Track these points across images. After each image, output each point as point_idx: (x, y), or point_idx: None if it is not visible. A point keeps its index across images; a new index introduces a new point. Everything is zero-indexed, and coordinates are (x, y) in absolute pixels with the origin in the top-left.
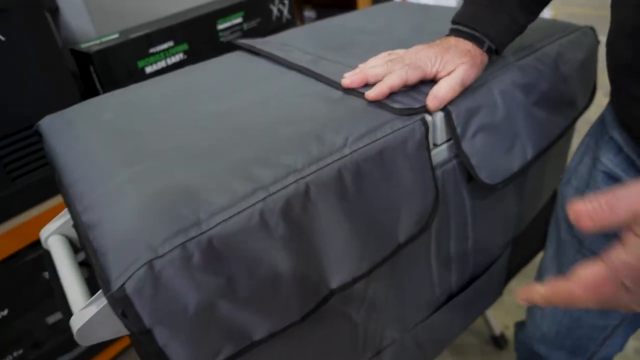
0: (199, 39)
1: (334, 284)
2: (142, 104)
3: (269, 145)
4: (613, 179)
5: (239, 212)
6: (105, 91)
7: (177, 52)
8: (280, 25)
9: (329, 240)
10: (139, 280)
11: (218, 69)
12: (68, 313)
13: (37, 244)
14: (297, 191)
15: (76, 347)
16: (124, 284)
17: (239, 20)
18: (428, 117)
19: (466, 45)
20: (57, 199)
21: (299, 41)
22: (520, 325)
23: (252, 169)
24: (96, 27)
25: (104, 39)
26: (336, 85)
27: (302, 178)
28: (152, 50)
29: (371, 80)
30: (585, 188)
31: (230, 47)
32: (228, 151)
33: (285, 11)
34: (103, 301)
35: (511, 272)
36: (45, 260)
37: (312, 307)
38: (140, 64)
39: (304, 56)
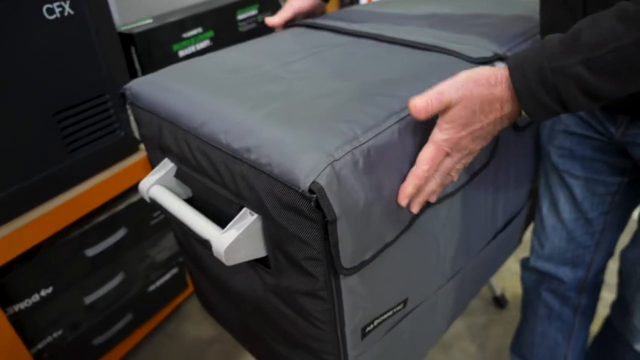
0: (222, 27)
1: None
2: (229, 66)
3: (383, 83)
4: (568, 133)
5: (384, 130)
6: (144, 72)
7: (204, 39)
8: None
9: None
10: (327, 176)
11: (287, 39)
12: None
13: (80, 221)
14: None
15: (110, 329)
16: (315, 179)
17: (254, 12)
18: (499, 65)
19: None
20: (101, 176)
21: (348, 19)
22: (525, 260)
23: (380, 100)
24: (120, 14)
25: (139, 23)
26: (412, 44)
27: None
28: (184, 35)
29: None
30: (548, 143)
31: (249, 36)
32: (348, 89)
33: None
34: (244, 224)
35: (527, 222)
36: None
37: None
38: (174, 47)
39: (368, 28)
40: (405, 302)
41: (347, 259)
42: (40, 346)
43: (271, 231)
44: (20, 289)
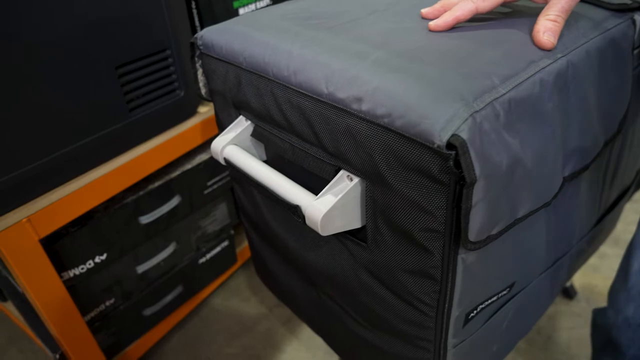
0: None
1: (566, 172)
2: (310, 13)
3: (512, 31)
4: None
5: (525, 80)
6: (204, 28)
7: None
8: None
9: (571, 123)
10: (469, 129)
11: None
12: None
13: (135, 187)
14: (562, 67)
15: (160, 300)
16: (455, 132)
17: None
18: (637, 17)
19: None
20: (159, 139)
21: None
22: (599, 312)
23: (513, 48)
24: None
25: None
26: None
27: (564, 55)
28: None
29: (447, 8)
30: None
31: None
32: (467, 36)
33: None
34: (343, 189)
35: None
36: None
37: (556, 190)
38: (235, 4)
39: None
40: (511, 286)
41: (474, 231)
42: (93, 314)
43: (376, 197)
44: (75, 255)
